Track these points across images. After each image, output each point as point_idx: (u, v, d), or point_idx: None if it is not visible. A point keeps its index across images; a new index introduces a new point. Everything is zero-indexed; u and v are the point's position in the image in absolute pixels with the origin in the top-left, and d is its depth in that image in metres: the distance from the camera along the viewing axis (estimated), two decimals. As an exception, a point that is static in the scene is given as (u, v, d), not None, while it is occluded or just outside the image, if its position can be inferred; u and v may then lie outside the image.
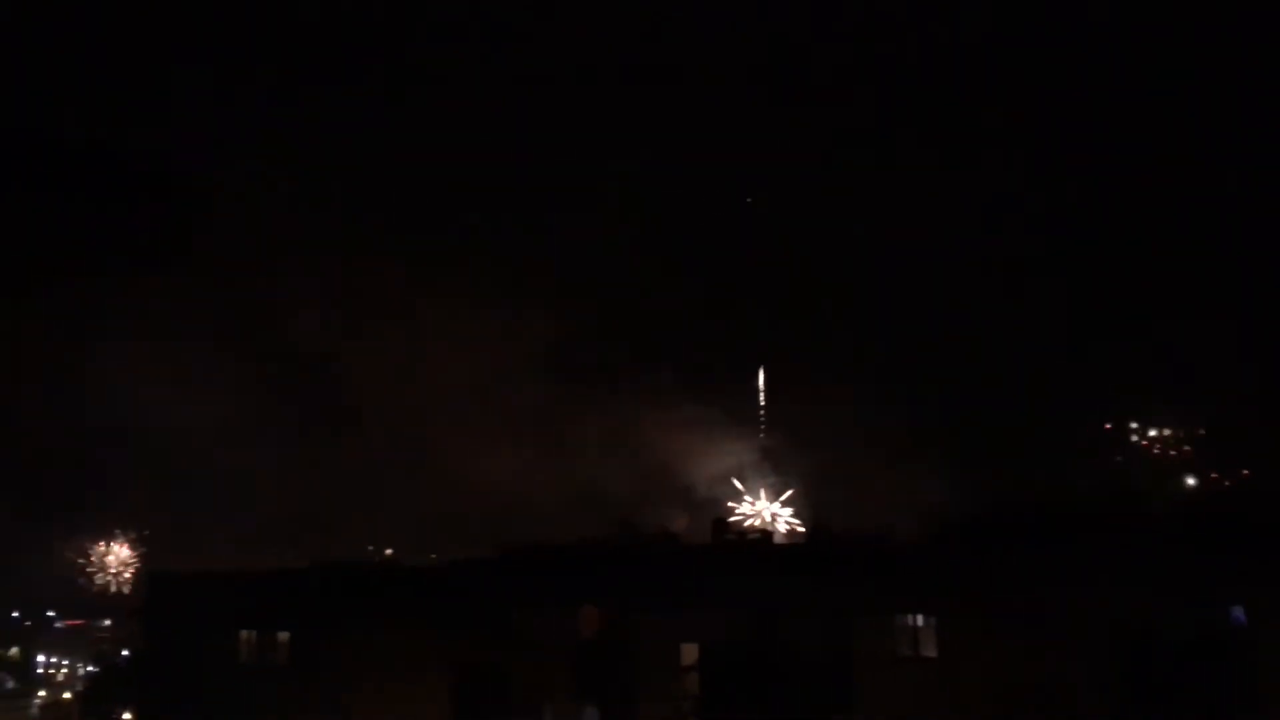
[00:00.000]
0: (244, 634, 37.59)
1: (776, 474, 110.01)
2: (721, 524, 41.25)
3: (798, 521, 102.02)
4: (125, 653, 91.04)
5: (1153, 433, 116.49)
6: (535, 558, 38.30)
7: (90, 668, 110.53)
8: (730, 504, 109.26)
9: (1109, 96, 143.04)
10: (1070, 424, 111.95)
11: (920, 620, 31.09)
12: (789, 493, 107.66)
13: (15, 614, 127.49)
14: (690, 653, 33.61)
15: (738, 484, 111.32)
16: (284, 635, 36.83)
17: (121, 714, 70.27)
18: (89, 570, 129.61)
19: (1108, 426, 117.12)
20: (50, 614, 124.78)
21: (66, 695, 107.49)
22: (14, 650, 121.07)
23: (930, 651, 30.61)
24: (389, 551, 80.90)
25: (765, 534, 40.01)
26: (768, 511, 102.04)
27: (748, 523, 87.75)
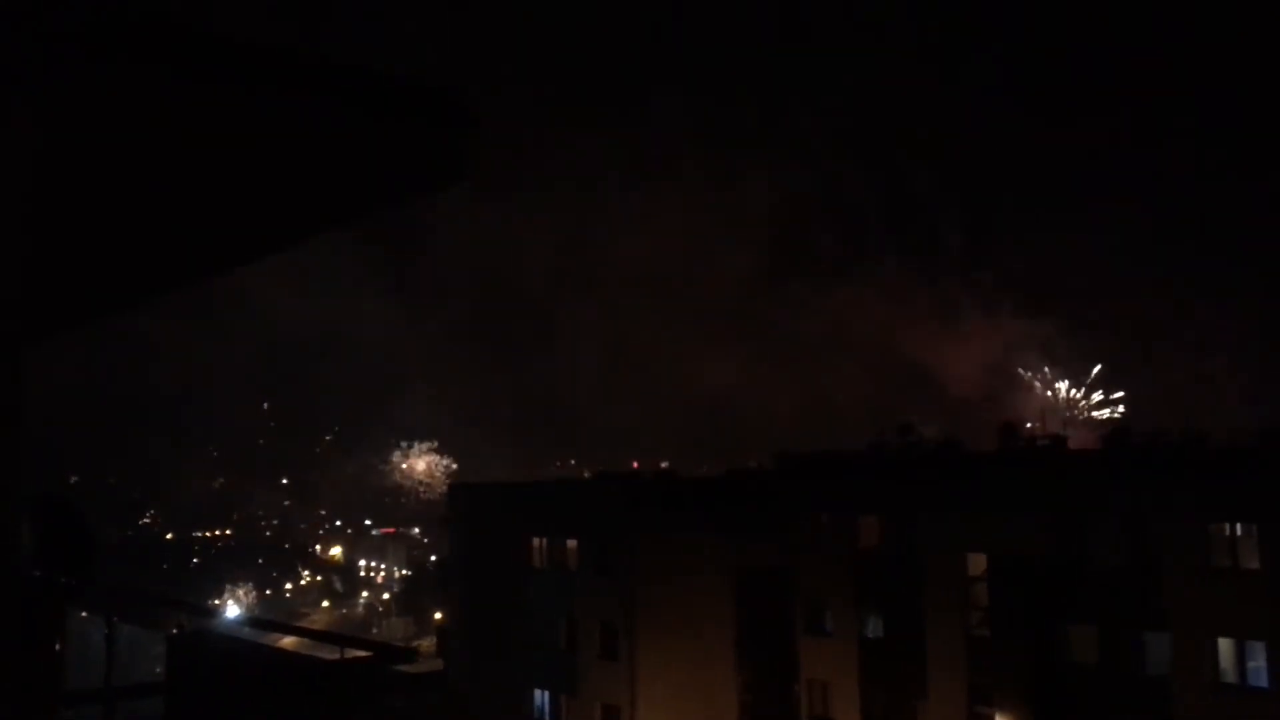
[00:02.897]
0: (535, 540, 39.50)
1: (1053, 369, 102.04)
2: (1010, 427, 39.06)
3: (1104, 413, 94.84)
4: (433, 558, 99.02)
5: None
6: (814, 466, 37.93)
7: (404, 571, 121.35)
8: (996, 402, 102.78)
9: None
10: None
11: (1239, 529, 28.29)
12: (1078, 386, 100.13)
13: (338, 522, 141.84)
14: (978, 563, 32.31)
15: (1021, 374, 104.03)
16: (572, 542, 38.32)
17: (433, 613, 76.68)
18: (401, 484, 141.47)
19: None
20: (367, 522, 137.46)
21: (385, 596, 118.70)
22: (336, 550, 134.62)
23: (1252, 563, 27.82)
24: (664, 464, 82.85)
25: (1058, 437, 37.57)
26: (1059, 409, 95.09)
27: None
